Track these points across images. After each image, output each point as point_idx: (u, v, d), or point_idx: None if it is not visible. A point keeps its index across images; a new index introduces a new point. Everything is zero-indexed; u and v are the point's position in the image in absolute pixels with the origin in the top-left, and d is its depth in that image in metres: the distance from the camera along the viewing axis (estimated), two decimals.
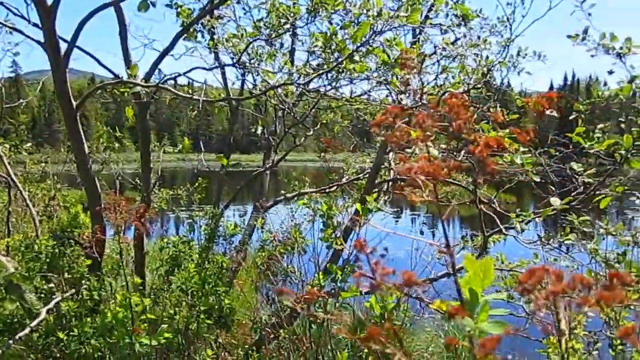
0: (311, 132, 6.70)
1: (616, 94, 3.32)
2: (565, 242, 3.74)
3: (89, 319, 3.76)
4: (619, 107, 3.97)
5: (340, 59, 3.37)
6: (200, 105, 4.45)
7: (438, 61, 5.05)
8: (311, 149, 56.37)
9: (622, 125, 3.50)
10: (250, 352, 4.41)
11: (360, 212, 3.17)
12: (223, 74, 6.00)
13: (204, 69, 4.78)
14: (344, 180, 6.53)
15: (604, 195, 3.27)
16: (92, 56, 4.49)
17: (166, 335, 3.37)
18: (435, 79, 5.02)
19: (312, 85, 4.88)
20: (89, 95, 4.67)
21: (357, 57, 3.31)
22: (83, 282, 4.25)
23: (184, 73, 4.40)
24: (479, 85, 5.12)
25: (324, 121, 7.62)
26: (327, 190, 6.36)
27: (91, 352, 3.59)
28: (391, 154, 5.42)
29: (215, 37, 5.30)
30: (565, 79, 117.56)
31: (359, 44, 3.25)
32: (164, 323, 3.88)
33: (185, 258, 4.42)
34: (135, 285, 3.81)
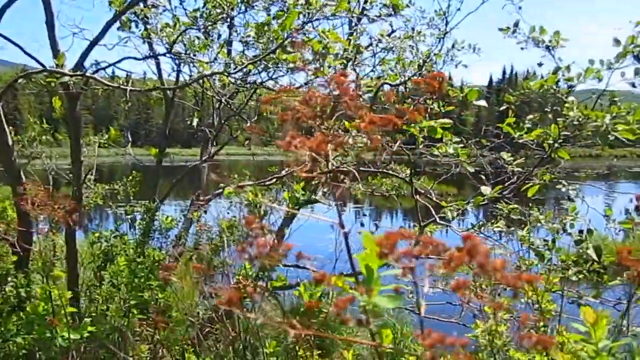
0: (248, 124, 6.61)
1: (541, 85, 3.39)
2: (499, 230, 3.82)
3: (13, 316, 3.60)
4: (552, 99, 4.08)
5: (271, 49, 3.32)
6: (128, 96, 4.32)
7: (375, 53, 5.07)
8: (255, 142, 55.67)
9: (550, 116, 3.60)
10: (186, 347, 4.33)
11: (289, 202, 3.14)
12: (157, 64, 5.85)
13: (135, 58, 4.64)
14: (283, 172, 6.48)
15: (531, 184, 3.35)
16: (14, 43, 4.27)
17: (89, 329, 3.25)
18: (372, 70, 5.05)
19: (253, 77, 4.83)
20: (10, 85, 4.45)
21: (290, 48, 3.28)
22: (9, 279, 4.09)
23: (114, 63, 4.26)
24: (416, 77, 5.17)
25: (265, 113, 7.55)
26: (266, 183, 6.30)
27: (15, 349, 3.45)
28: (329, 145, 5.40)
29: (149, 27, 5.15)
30: (504, 72, 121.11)
31: (288, 33, 3.21)
32: (96, 318, 3.76)
33: (118, 253, 4.29)
34: (59, 279, 3.66)
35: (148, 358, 4.34)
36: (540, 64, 4.35)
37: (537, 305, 2.70)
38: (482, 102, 3.39)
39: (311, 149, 0.83)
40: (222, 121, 6.36)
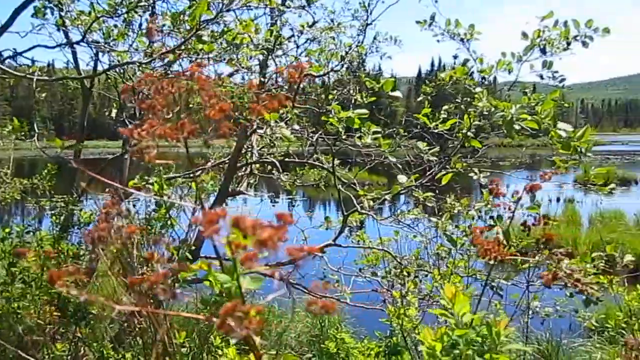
0: (171, 115, 6.47)
1: (450, 77, 3.51)
2: (414, 217, 3.93)
3: None
4: (463, 90, 4.21)
5: (185, 39, 3.27)
6: (34, 84, 4.15)
7: (297, 45, 5.09)
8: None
9: (462, 107, 3.71)
10: (105, 344, 4.24)
11: (198, 192, 3.12)
12: (74, 54, 5.64)
13: (47, 47, 4.45)
14: (209, 164, 6.44)
15: (445, 173, 3.46)
16: None
17: None
18: (295, 60, 5.05)
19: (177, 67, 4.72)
20: None
21: (206, 37, 3.24)
22: None
23: (23, 52, 4.08)
24: (338, 68, 5.22)
25: (191, 104, 7.43)
26: (191, 175, 6.23)
27: None
28: (254, 136, 5.40)
29: (63, 14, 4.96)
30: (432, 64, 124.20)
31: (199, 22, 3.17)
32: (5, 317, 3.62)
33: (32, 248, 4.13)
34: None
35: (69, 357, 4.22)
36: (455, 57, 4.49)
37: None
38: (397, 93, 3.47)
39: (160, 136, 0.83)
40: (142, 112, 6.20)
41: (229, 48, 3.36)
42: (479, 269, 4.64)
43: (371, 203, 3.72)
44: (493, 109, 3.22)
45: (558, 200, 24.89)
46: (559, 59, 3.95)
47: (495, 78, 4.39)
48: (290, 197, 24.58)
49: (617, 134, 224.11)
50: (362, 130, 3.53)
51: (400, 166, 4.44)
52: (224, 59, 3.41)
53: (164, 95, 0.87)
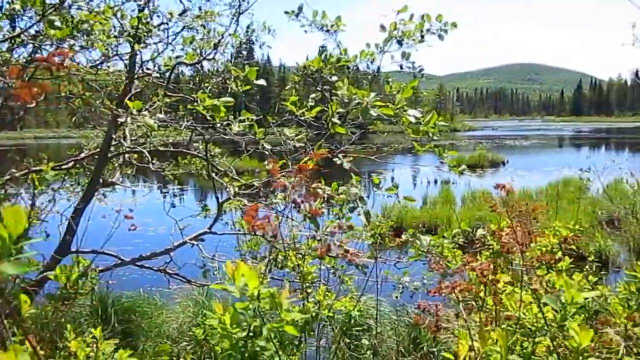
0: (32, 106, 6.16)
1: (306, 66, 3.65)
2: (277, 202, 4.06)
3: None
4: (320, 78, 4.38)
5: (34, 24, 3.17)
6: None
7: (168, 34, 5.04)
8: (65, 124, 51.43)
9: (327, 95, 3.88)
10: None
11: (37, 183, 3.06)
12: None
13: None
14: (82, 155, 6.21)
15: (309, 158, 3.61)
16: None
17: None
18: (165, 48, 5.01)
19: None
20: None
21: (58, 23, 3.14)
22: None
23: None
24: (211, 57, 5.24)
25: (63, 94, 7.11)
26: (63, 167, 5.99)
27: None
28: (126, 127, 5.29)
29: None
30: (320, 53, 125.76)
31: (44, 6, 3.08)
32: None
33: None
34: None
35: None
36: (322, 47, 4.67)
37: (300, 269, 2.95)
38: (262, 82, 3.57)
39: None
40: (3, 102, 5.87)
41: (77, 35, 3.28)
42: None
43: (236, 189, 3.80)
44: (354, 97, 3.40)
45: (435, 182, 26.37)
46: (416, 50, 4.22)
47: (379, 68, 4.59)
48: (180, 186, 24.07)
49: (488, 120, 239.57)
50: (230, 119, 3.61)
51: (273, 153, 4.55)
52: (79, 46, 3.33)
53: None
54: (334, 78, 3.63)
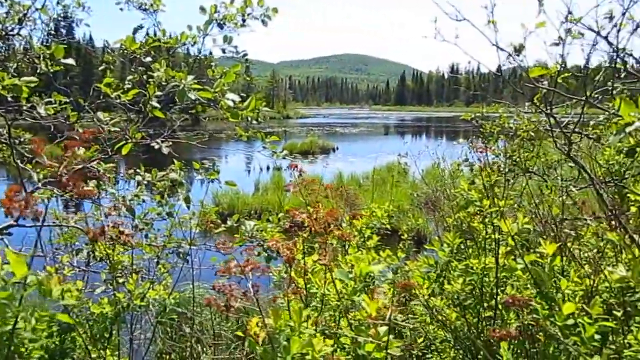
0: None
1: (121, 46, 3.48)
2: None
3: None
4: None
5: None
6: None
7: None
8: None
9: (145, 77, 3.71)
10: None
11: None
12: None
13: None
14: None
15: (125, 143, 3.45)
16: None
17: None
18: None
19: None
20: None
21: None
22: None
23: None
24: (15, 33, 4.75)
25: None
26: None
27: None
28: None
29: None
30: (134, 33, 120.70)
31: None
32: None
33: None
34: None
35: None
36: (139, 27, 4.45)
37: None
38: (70, 61, 3.32)
39: None
40: None
41: None
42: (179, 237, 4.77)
43: (40, 176, 3.50)
44: (171, 80, 3.29)
45: (268, 168, 26.72)
46: (238, 35, 4.18)
47: (199, 50, 4.45)
48: None
49: (320, 107, 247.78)
50: (34, 100, 3.31)
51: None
52: None
53: None
54: (148, 59, 3.48)
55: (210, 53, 4.64)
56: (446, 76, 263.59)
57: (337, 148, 39.97)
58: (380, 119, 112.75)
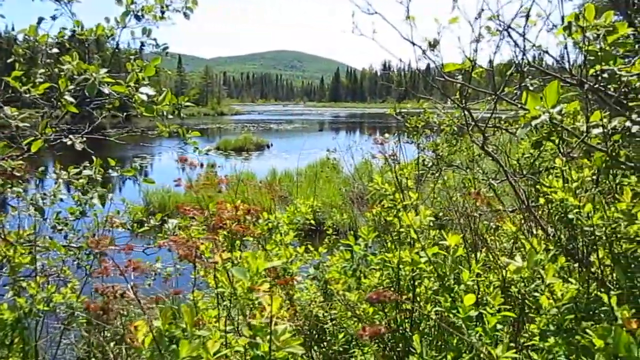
0: None
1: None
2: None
3: None
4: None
5: None
6: None
7: None
8: None
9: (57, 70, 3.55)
10: None
11: None
12: None
13: None
14: None
15: (35, 139, 3.29)
16: None
17: None
18: None
19: None
20: None
21: None
22: None
23: None
24: None
25: None
26: None
27: None
28: None
29: None
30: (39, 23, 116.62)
31: None
32: None
33: None
34: None
35: None
36: (53, 18, 4.25)
37: None
38: None
39: None
40: None
41: None
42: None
43: None
44: (83, 73, 3.16)
45: (202, 165, 26.28)
46: (157, 27, 4.07)
47: (117, 43, 4.29)
48: None
49: (255, 104, 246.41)
50: None
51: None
52: None
53: None
54: (55, 50, 3.33)
55: (142, 47, 4.50)
56: (379, 73, 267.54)
57: (272, 145, 39.85)
58: (315, 116, 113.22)
